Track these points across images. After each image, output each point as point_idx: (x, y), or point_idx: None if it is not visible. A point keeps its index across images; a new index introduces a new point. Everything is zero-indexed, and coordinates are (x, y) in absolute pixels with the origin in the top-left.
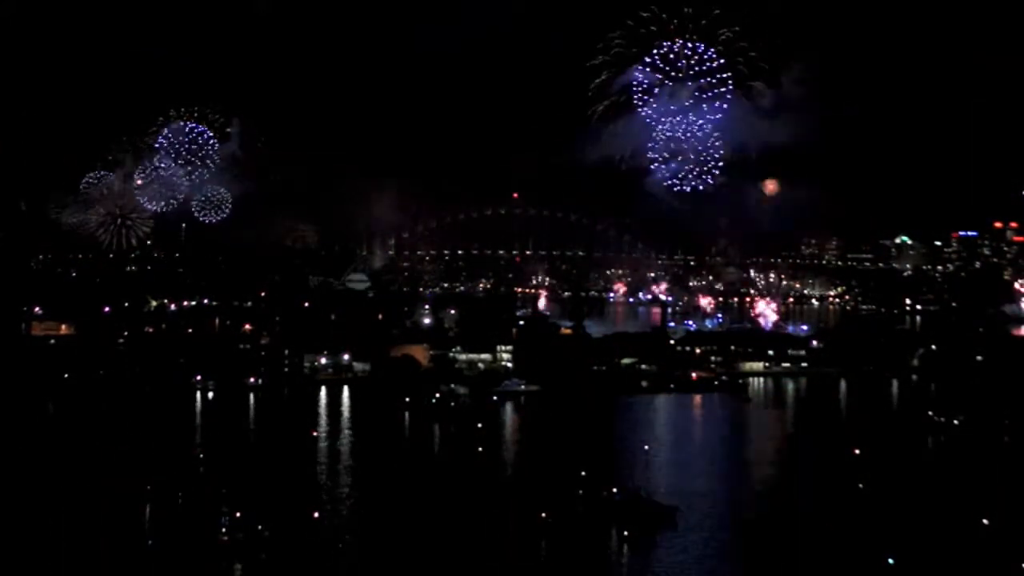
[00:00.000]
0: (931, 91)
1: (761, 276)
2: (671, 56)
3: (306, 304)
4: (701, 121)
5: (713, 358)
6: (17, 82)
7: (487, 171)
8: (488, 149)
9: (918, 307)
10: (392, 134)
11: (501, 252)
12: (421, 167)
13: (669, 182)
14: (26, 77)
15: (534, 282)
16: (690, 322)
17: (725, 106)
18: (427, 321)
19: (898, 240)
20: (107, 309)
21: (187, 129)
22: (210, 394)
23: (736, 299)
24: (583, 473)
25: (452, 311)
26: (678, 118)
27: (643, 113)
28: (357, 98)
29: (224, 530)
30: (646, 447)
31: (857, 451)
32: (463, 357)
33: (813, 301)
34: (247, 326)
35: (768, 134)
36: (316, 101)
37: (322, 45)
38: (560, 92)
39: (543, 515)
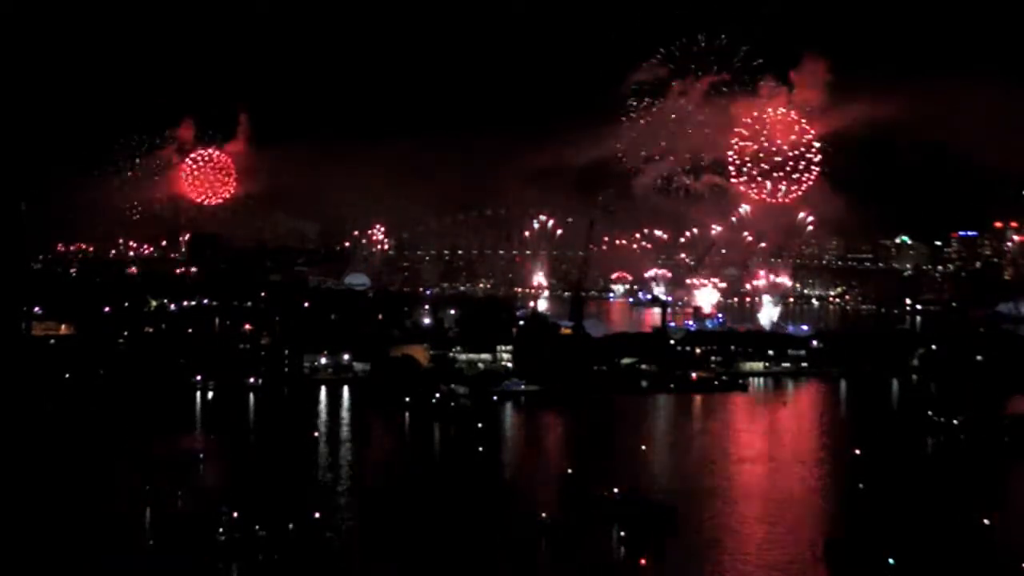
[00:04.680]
0: (931, 90)
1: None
2: (678, 55)
3: (306, 304)
4: (703, 119)
5: (713, 358)
6: (18, 83)
7: (487, 171)
8: (488, 149)
9: (918, 307)
10: (393, 133)
11: (501, 252)
12: (422, 167)
13: (667, 182)
14: (27, 77)
15: (534, 282)
16: (690, 322)
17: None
18: (427, 321)
19: (898, 240)
20: (107, 309)
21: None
22: (210, 394)
23: (736, 299)
24: (572, 473)
25: (452, 311)
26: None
27: (645, 113)
28: (357, 98)
29: (221, 530)
30: (643, 447)
31: (857, 451)
32: (463, 357)
33: (813, 301)
34: (247, 326)
35: (771, 133)
36: (317, 101)
37: (321, 45)
38: (561, 92)
39: (543, 515)
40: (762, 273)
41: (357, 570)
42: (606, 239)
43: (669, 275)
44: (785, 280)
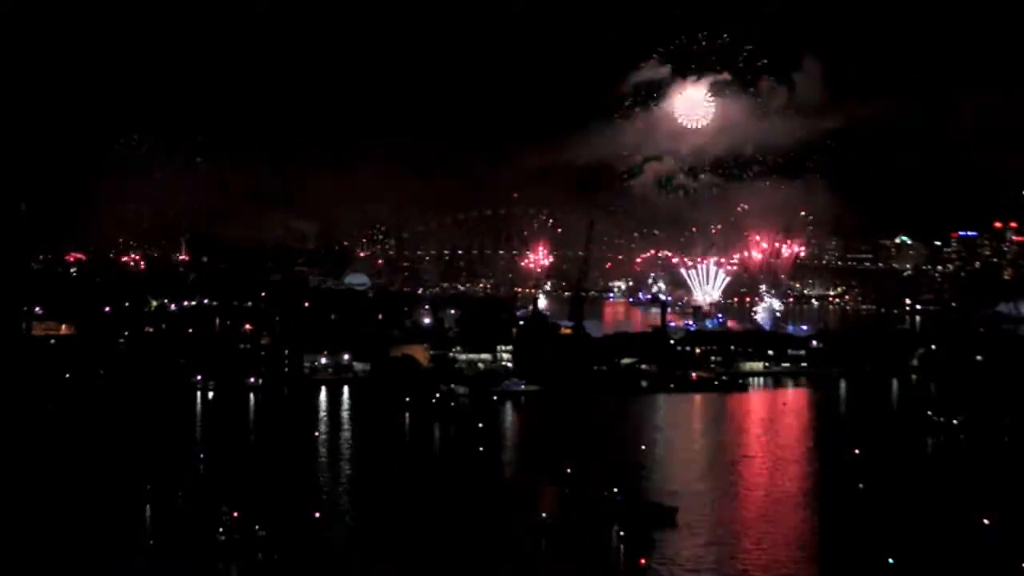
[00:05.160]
0: (931, 91)
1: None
2: (679, 55)
3: (306, 304)
4: (703, 119)
5: (713, 358)
6: (19, 83)
7: (487, 171)
8: (489, 149)
9: (918, 307)
10: (393, 133)
11: (501, 252)
12: (422, 167)
13: (667, 181)
14: (28, 77)
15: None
16: (690, 322)
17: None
18: (427, 321)
19: (898, 240)
20: (107, 309)
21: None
22: (210, 394)
23: (736, 299)
24: (572, 472)
25: (452, 311)
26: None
27: (645, 113)
28: (358, 98)
29: (221, 530)
30: (643, 447)
31: (857, 451)
32: (463, 357)
33: (813, 301)
34: (247, 326)
35: (771, 133)
36: (317, 100)
37: (322, 44)
38: (561, 92)
39: (543, 515)
40: (757, 238)
41: (357, 570)
42: (606, 239)
43: (672, 257)
44: (798, 248)
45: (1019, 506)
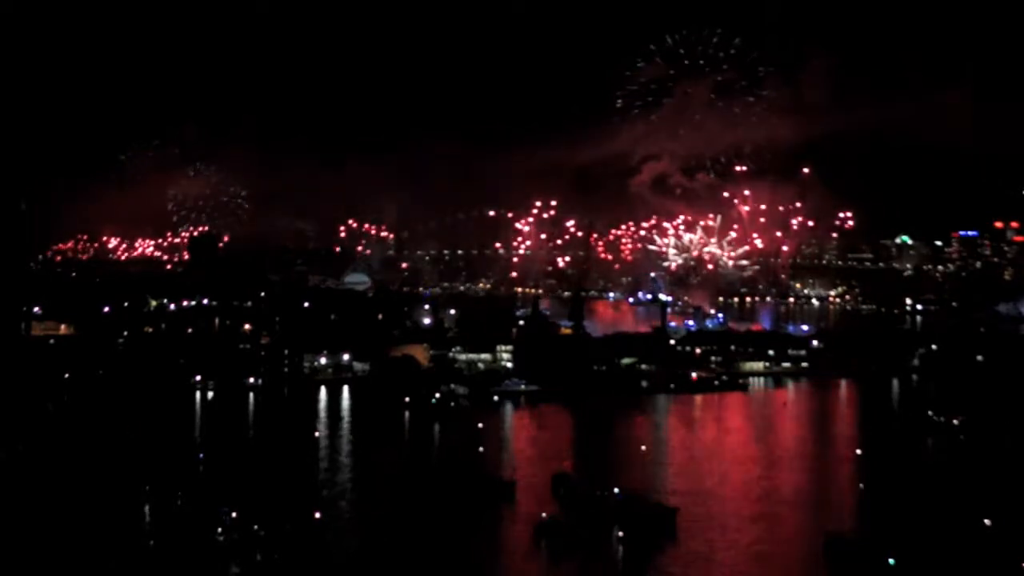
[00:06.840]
0: (931, 90)
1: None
2: (681, 54)
3: (306, 304)
4: (704, 119)
5: (713, 358)
6: (19, 82)
7: (487, 171)
8: (488, 149)
9: (918, 307)
10: (393, 133)
11: (501, 252)
12: (421, 167)
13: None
14: (29, 77)
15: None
16: (690, 322)
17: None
18: (427, 321)
19: (898, 240)
20: (107, 309)
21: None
22: (210, 394)
23: (736, 299)
24: (572, 473)
25: (452, 311)
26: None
27: (645, 112)
28: (358, 98)
29: (221, 530)
30: (643, 447)
31: (858, 451)
32: (463, 357)
33: (813, 301)
34: (247, 326)
35: (772, 134)
36: (317, 101)
37: (322, 45)
38: (561, 91)
39: (543, 515)
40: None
41: (356, 570)
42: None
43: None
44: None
45: (1019, 506)
